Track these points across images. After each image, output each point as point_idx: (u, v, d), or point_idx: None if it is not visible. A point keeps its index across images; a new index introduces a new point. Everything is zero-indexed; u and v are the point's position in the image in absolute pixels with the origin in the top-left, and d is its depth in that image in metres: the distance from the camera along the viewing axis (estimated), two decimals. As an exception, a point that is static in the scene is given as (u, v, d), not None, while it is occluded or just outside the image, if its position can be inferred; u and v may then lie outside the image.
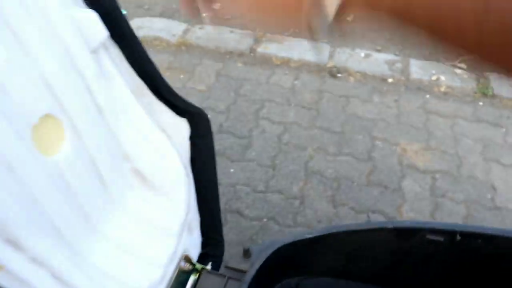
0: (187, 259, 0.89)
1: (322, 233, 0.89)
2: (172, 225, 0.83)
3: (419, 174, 2.11)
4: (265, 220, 1.90)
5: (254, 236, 1.83)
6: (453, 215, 1.91)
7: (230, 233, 1.85)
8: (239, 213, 1.93)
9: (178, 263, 0.87)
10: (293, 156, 2.18)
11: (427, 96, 2.51)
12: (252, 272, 0.87)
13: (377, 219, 1.89)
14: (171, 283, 0.84)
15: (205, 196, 0.91)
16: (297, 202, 1.98)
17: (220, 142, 2.18)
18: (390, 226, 0.87)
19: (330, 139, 2.25)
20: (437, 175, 2.10)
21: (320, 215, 1.92)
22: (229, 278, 0.88)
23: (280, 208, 1.95)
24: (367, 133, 2.29)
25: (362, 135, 2.29)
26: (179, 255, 0.86)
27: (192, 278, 0.90)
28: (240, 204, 1.97)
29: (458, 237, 0.85)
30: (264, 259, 0.89)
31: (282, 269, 0.94)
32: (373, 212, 1.93)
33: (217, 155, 0.99)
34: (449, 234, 0.85)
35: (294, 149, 2.21)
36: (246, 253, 0.89)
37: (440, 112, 2.42)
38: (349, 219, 1.90)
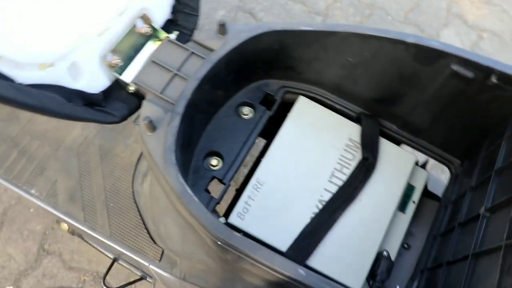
0: (145, 19, 0.70)
1: (324, 29, 0.68)
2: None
3: (465, 27, 1.78)
4: (278, 30, 1.66)
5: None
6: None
7: (235, 33, 1.64)
8: (252, 14, 1.69)
9: (132, 21, 0.68)
10: (332, -35, 1.82)
11: None
12: (221, 52, 0.69)
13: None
14: (118, 41, 0.67)
15: None
16: (319, 19, 1.71)
17: None
18: (411, 40, 0.65)
19: (382, -44, 1.85)
20: (485, 35, 1.77)
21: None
22: (193, 53, 0.70)
23: (298, 21, 1.69)
24: (427, -39, 1.87)
25: (421, -39, 1.87)
26: (133, 11, 0.67)
27: (149, 45, 0.73)
28: (256, 5, 1.71)
29: (494, 79, 0.63)
30: (241, 41, 0.69)
31: (259, 64, 0.76)
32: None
33: None
34: (483, 71, 0.63)
35: (336, -43, 1.83)
36: (221, 29, 0.70)
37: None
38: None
